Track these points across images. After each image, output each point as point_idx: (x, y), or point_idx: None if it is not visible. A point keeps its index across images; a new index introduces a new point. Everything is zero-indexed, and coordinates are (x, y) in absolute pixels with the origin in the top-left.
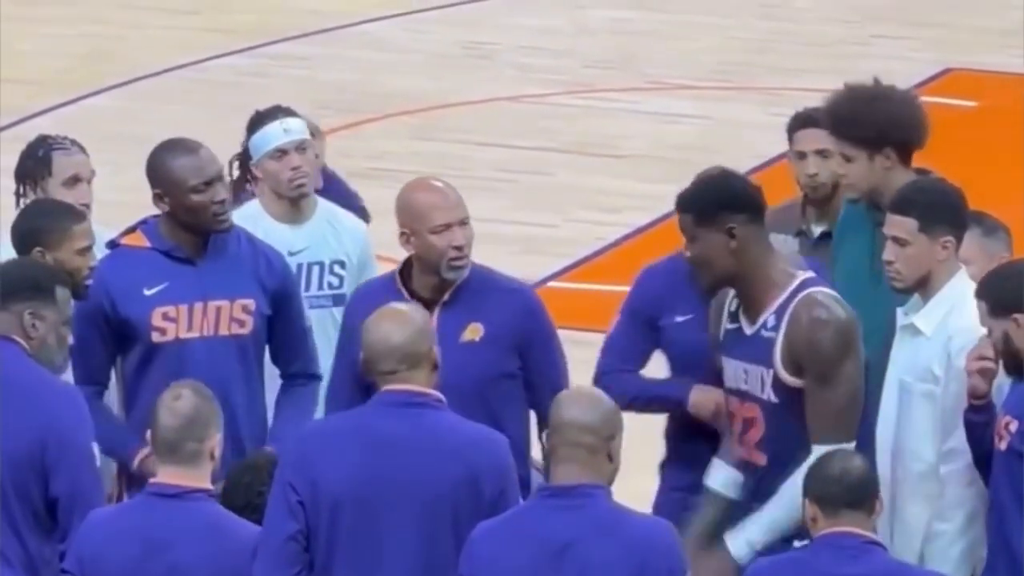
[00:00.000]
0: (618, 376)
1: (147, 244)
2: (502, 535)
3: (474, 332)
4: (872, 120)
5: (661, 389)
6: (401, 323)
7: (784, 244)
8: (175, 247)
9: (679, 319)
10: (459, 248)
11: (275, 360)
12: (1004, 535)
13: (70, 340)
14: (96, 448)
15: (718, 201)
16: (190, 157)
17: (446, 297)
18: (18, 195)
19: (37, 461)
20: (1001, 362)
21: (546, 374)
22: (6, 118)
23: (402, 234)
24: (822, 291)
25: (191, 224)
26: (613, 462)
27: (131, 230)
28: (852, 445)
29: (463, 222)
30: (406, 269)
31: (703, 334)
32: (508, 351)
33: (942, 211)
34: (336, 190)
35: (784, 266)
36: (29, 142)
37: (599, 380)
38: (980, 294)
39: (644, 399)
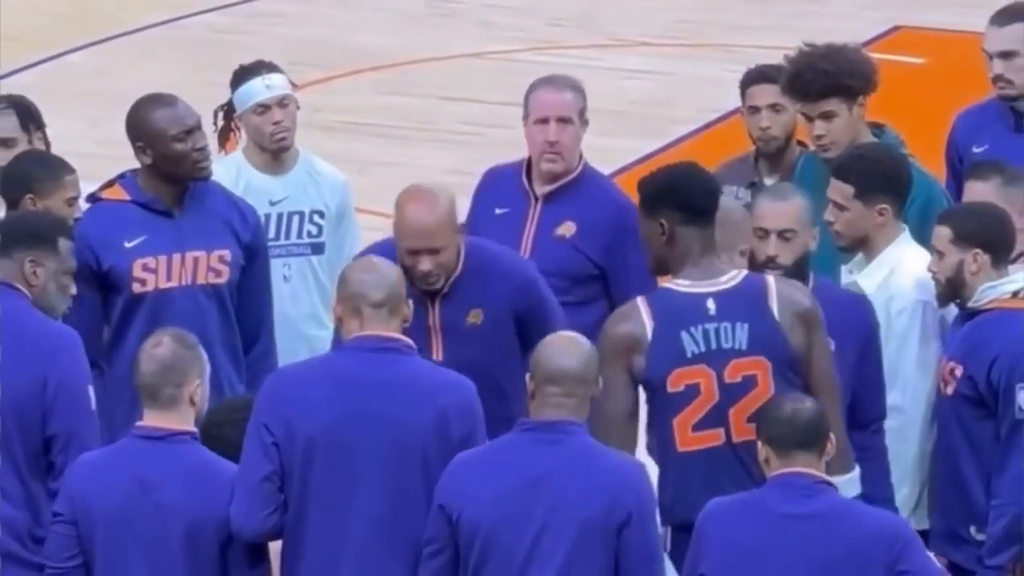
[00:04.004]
0: None
1: (126, 197)
2: (480, 465)
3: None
4: (861, 69)
5: None
6: (389, 267)
7: (737, 196)
8: (153, 199)
9: None
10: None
11: (239, 321)
12: (956, 481)
13: (72, 290)
14: (91, 391)
15: None
16: (168, 109)
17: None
18: None
19: (37, 400)
20: (937, 292)
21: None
22: None
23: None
24: None
25: (173, 173)
26: (593, 399)
27: (109, 184)
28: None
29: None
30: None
31: None
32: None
33: (878, 179)
34: None
35: None
36: None
37: None
38: (948, 220)
39: None
